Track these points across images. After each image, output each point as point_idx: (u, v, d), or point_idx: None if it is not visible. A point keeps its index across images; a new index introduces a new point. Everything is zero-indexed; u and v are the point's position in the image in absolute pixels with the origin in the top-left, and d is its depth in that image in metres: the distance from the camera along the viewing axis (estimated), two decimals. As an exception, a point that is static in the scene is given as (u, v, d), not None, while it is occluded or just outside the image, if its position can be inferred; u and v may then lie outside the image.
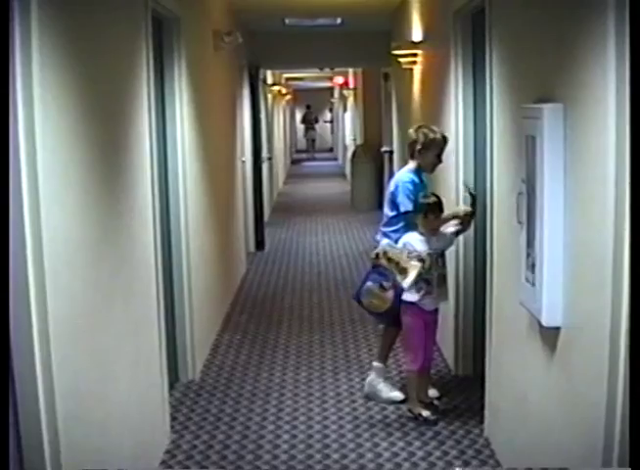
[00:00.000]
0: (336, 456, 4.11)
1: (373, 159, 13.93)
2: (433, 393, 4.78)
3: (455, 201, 4.98)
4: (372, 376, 4.95)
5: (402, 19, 8.17)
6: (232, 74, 8.18)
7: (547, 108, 2.83)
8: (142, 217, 3.84)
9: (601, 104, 2.38)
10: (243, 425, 4.55)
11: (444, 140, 4.70)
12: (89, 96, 3.00)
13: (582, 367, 2.65)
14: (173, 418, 4.54)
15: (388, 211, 4.76)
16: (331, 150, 31.26)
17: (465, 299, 5.12)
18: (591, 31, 2.49)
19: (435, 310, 4.57)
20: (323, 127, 32.91)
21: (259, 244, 10.28)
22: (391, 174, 5.22)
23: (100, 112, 3.16)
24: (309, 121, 31.58)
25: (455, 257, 5.04)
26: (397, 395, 4.86)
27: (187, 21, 5.21)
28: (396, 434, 4.38)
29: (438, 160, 4.72)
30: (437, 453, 4.10)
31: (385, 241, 4.64)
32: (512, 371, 3.70)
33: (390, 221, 4.72)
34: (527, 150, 3.05)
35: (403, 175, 4.76)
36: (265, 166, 11.73)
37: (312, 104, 31.31)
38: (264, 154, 11.45)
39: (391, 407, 4.74)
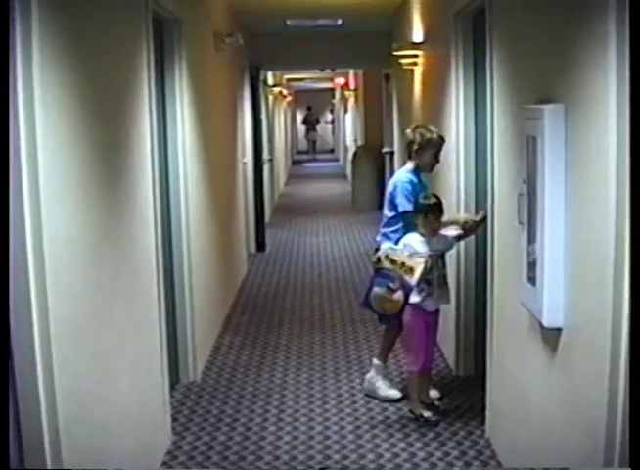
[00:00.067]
0: (337, 457, 4.11)
1: (374, 159, 13.94)
2: (434, 393, 4.78)
3: (456, 202, 4.98)
4: (371, 373, 4.98)
5: (403, 19, 8.17)
6: (233, 76, 8.18)
7: (548, 108, 2.83)
8: (143, 218, 3.84)
9: (602, 104, 2.38)
10: (244, 426, 4.55)
11: (441, 140, 4.70)
12: (90, 97, 3.00)
13: (583, 367, 2.65)
14: (174, 419, 4.54)
15: (387, 212, 4.76)
16: (332, 151, 31.26)
17: (466, 299, 5.12)
18: (592, 32, 2.49)
19: (436, 311, 4.58)
20: (324, 128, 32.91)
21: (260, 245, 10.27)
22: (392, 175, 5.21)
23: (101, 112, 3.16)
24: (310, 123, 31.59)
25: (456, 257, 5.04)
26: (395, 392, 4.87)
27: (188, 22, 5.22)
28: (398, 435, 4.38)
29: (436, 159, 4.72)
30: (439, 454, 4.10)
31: (384, 244, 4.63)
32: (513, 371, 3.70)
33: (390, 222, 4.72)
34: (528, 151, 3.05)
35: (402, 176, 4.76)
36: (266, 168, 11.74)
37: (313, 105, 31.33)
38: (265, 155, 11.45)
39: (393, 408, 4.74)
